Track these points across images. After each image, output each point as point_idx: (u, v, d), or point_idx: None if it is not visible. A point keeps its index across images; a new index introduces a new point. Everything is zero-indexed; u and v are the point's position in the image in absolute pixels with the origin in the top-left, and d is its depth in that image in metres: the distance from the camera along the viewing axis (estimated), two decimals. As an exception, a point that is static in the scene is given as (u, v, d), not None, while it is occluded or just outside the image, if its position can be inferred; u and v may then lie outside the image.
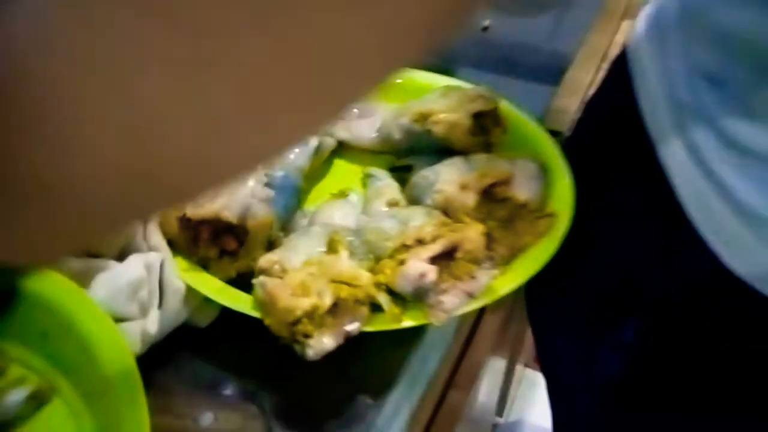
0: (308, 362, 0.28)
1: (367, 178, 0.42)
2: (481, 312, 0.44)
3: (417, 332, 0.34)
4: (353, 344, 0.29)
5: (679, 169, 0.31)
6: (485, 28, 0.58)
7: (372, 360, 0.33)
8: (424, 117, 0.42)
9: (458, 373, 0.45)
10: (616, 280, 0.37)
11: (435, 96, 0.43)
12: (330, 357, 0.28)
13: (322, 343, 0.28)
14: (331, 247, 0.31)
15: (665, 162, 0.32)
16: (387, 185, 0.41)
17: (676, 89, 0.32)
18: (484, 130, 0.41)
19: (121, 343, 0.26)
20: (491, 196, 0.36)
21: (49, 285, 0.28)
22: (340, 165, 0.45)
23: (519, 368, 0.97)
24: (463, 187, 0.36)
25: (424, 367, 0.33)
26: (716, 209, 0.30)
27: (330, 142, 0.43)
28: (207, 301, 0.31)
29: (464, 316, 0.36)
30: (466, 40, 0.55)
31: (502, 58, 0.55)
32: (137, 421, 0.23)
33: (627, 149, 0.36)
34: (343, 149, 0.45)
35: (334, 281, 0.29)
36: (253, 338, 0.30)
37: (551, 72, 0.53)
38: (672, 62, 0.33)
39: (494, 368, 0.72)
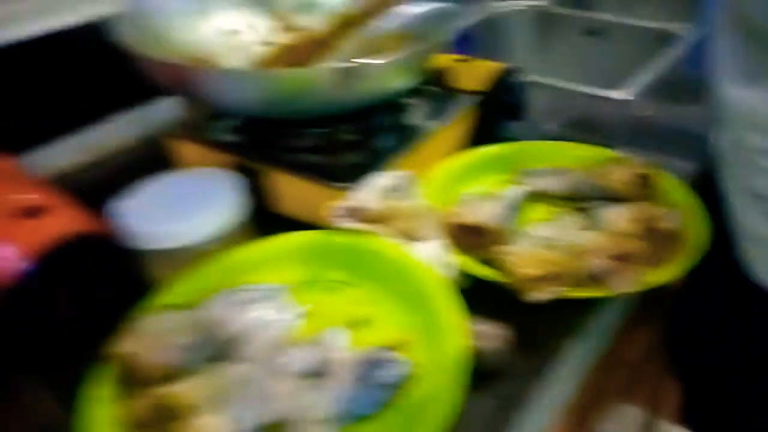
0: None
1: (557, 215, 0.63)
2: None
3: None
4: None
5: None
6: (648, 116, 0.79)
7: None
8: (601, 176, 0.62)
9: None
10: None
11: (612, 163, 0.63)
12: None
13: (536, 294, 0.49)
14: (550, 245, 0.53)
15: None
16: (574, 219, 0.61)
17: None
18: (644, 187, 0.61)
19: (443, 279, 0.48)
20: (646, 224, 0.55)
21: (384, 245, 0.52)
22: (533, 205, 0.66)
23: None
24: (628, 219, 0.56)
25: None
26: None
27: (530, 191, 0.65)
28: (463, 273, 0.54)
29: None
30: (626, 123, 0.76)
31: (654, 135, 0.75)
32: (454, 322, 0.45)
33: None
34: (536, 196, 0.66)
35: (546, 262, 0.50)
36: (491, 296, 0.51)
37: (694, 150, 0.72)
38: None
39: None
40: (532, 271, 0.49)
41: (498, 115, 0.75)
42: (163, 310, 0.48)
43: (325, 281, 0.54)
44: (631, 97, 0.80)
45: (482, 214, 0.55)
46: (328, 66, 0.53)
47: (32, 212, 0.54)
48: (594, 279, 0.51)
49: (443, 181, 0.65)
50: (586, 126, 0.85)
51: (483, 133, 0.74)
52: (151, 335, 0.46)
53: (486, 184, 0.69)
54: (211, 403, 0.42)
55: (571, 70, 1.01)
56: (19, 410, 0.50)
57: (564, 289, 0.50)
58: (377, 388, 0.43)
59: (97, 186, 0.74)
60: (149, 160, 0.78)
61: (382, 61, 0.54)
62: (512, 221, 0.57)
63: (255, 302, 0.52)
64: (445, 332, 0.45)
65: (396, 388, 0.43)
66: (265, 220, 0.61)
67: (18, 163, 0.66)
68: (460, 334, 0.44)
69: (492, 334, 0.48)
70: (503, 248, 0.53)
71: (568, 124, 0.86)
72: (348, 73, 0.53)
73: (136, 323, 0.47)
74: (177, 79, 0.57)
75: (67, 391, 0.50)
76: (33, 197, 0.57)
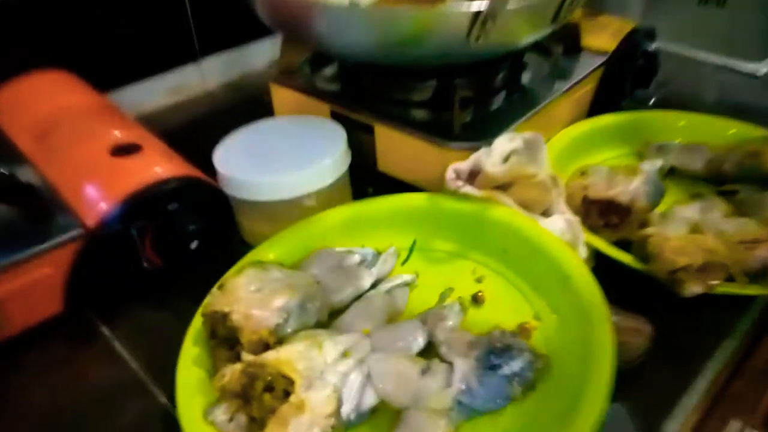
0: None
1: (696, 197, 0.55)
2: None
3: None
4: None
5: None
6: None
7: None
8: (753, 156, 0.53)
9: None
10: None
11: (765, 143, 0.54)
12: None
13: (693, 288, 0.41)
14: (695, 230, 0.45)
15: None
16: (716, 203, 0.53)
17: None
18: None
19: (574, 253, 0.41)
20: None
21: (506, 214, 0.46)
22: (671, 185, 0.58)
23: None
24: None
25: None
26: None
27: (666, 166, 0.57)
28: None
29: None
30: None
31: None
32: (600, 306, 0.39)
33: None
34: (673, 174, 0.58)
35: (702, 250, 0.42)
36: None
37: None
38: None
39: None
40: (687, 259, 0.42)
41: (626, 80, 0.66)
42: (260, 267, 0.44)
43: (432, 250, 0.48)
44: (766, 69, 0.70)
45: (621, 188, 0.48)
46: (457, 6, 0.46)
47: (124, 150, 0.50)
48: (756, 273, 0.43)
49: (563, 151, 0.57)
50: (707, 99, 0.75)
51: (607, 100, 0.66)
52: (245, 294, 0.42)
53: (608, 156, 0.61)
54: (310, 376, 0.37)
55: (687, 41, 0.90)
56: (95, 359, 0.47)
57: (719, 282, 0.42)
58: (501, 380, 0.37)
59: (188, 130, 0.71)
60: (244, 105, 0.74)
61: (518, 5, 0.47)
62: (655, 199, 0.49)
63: (357, 266, 0.47)
64: (588, 321, 0.38)
65: (524, 381, 0.38)
66: (364, 179, 0.55)
67: (110, 100, 0.63)
68: (606, 325, 0.37)
69: (632, 329, 0.41)
70: (647, 230, 0.46)
71: (688, 96, 0.76)
72: (479, 17, 0.46)
73: (230, 281, 0.42)
74: (287, 15, 0.52)
75: (148, 345, 0.47)
76: (126, 135, 0.53)
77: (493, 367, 0.38)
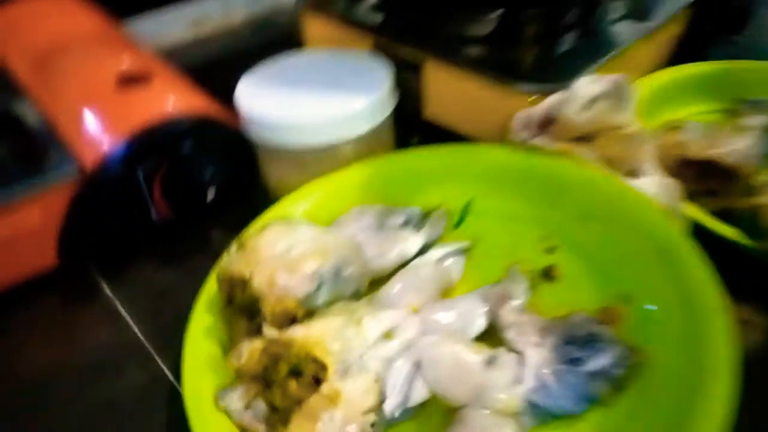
0: None
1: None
2: None
3: None
4: None
5: None
6: None
7: None
8: None
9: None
10: None
11: None
12: None
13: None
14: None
15: None
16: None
17: None
18: None
19: (677, 223, 0.33)
20: None
21: (588, 171, 0.38)
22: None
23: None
24: None
25: None
26: None
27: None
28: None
29: None
30: None
31: None
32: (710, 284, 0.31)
33: None
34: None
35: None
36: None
37: None
38: None
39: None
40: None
41: (716, 25, 0.57)
42: (287, 224, 0.36)
43: (492, 213, 0.40)
44: None
45: (726, 147, 0.40)
46: None
47: (132, 81, 0.43)
48: None
49: (644, 103, 0.48)
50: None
51: (693, 47, 0.56)
52: (269, 255, 0.34)
53: (693, 112, 0.52)
54: (347, 361, 0.30)
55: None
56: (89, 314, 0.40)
57: None
58: (583, 378, 0.30)
59: (209, 68, 0.63)
60: (271, 42, 0.66)
61: None
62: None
63: (401, 228, 0.39)
64: (696, 309, 0.30)
65: (612, 381, 0.30)
66: (406, 128, 0.47)
67: (124, 29, 0.56)
68: (721, 315, 0.29)
69: (740, 320, 0.33)
70: (762, 198, 0.37)
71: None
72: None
73: (251, 239, 0.35)
74: None
75: (153, 308, 0.41)
76: (135, 64, 0.45)
77: (574, 361, 0.30)
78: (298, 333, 0.31)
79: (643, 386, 0.30)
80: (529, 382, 0.30)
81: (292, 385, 0.29)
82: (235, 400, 0.31)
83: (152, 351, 0.38)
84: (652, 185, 0.38)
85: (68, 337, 0.39)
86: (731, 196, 0.39)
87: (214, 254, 0.37)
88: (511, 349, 0.31)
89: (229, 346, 0.34)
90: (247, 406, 0.31)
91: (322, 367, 0.29)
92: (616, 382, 0.30)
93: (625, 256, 0.35)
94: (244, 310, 0.34)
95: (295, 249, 0.35)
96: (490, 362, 0.30)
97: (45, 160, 0.39)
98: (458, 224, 0.41)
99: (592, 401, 0.30)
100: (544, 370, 0.30)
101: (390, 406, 0.29)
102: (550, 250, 0.38)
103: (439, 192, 0.41)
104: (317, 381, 0.29)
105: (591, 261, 0.36)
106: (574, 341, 0.31)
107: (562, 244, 0.38)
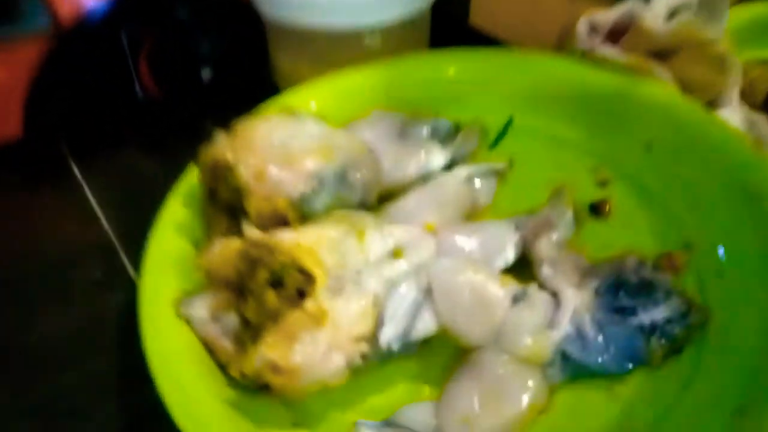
0: None
1: None
2: None
3: None
4: None
5: None
6: None
7: None
8: None
9: None
10: None
11: None
12: None
13: None
14: None
15: None
16: None
17: None
18: None
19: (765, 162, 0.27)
20: None
21: (662, 92, 0.31)
22: None
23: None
24: None
25: None
26: None
27: None
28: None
29: None
30: None
31: None
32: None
33: None
34: None
35: None
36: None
37: None
38: None
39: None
40: None
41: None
42: (292, 116, 0.30)
43: (536, 134, 0.34)
44: None
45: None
46: None
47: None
48: None
49: (733, 33, 0.41)
50: None
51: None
52: (263, 145, 0.28)
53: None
54: (341, 277, 0.24)
55: None
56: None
57: None
58: (633, 332, 0.24)
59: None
60: None
61: None
62: None
63: (427, 140, 0.33)
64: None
65: (668, 340, 0.24)
66: (447, 36, 0.40)
67: None
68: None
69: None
70: None
71: None
72: None
73: (247, 126, 0.29)
74: None
75: (128, 199, 0.35)
76: None
77: (622, 311, 0.24)
78: (286, 238, 0.25)
79: (705, 351, 0.24)
80: (563, 329, 0.24)
81: (271, 296, 0.23)
82: (200, 308, 0.25)
83: (120, 250, 0.33)
84: (737, 119, 0.31)
85: (27, 224, 0.34)
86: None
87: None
88: (545, 288, 0.25)
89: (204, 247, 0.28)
90: (214, 317, 0.25)
91: (310, 279, 0.24)
92: (672, 342, 0.24)
93: (696, 196, 0.28)
94: (226, 206, 0.29)
95: (296, 142, 0.29)
96: (519, 299, 0.24)
97: (14, 8, 0.33)
98: (495, 144, 0.34)
99: (638, 361, 0.24)
100: (584, 317, 0.24)
101: (386, 336, 0.23)
102: (603, 183, 0.31)
103: (475, 104, 0.35)
104: (301, 295, 0.24)
105: (652, 199, 0.30)
106: (625, 287, 0.25)
107: (618, 176, 0.31)
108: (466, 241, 0.27)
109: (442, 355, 0.25)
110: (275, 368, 0.22)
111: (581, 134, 0.33)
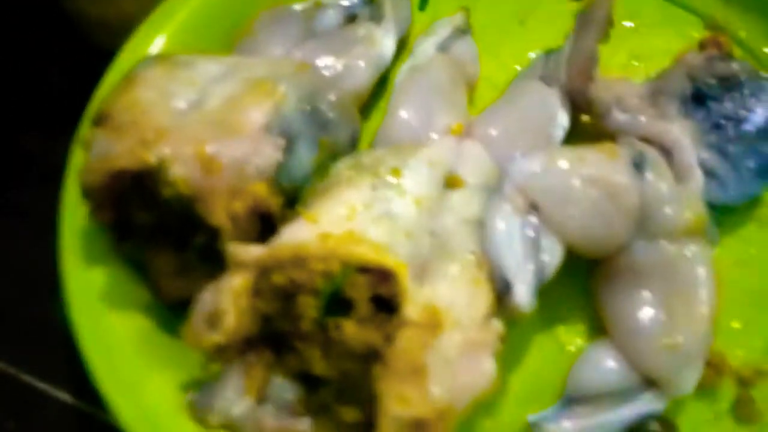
0: None
1: None
2: None
3: None
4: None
5: None
6: None
7: None
8: None
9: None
10: None
11: None
12: None
13: None
14: None
15: None
16: None
17: None
18: None
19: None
20: None
21: None
22: None
23: None
24: None
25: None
26: None
27: None
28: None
29: None
30: None
31: None
32: None
33: None
34: None
35: None
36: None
37: None
38: None
39: None
40: None
41: None
42: (170, 63, 0.19)
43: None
44: None
45: None
46: None
47: None
48: None
49: None
50: None
51: None
52: (170, 119, 0.17)
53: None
54: (412, 249, 0.16)
55: None
56: None
57: None
58: (756, 144, 0.19)
59: None
60: None
61: None
62: None
63: (351, 28, 0.23)
64: None
65: None
66: None
67: None
68: None
69: None
70: None
71: None
72: None
73: (116, 102, 0.18)
74: None
75: None
76: None
77: (729, 121, 0.19)
78: (299, 235, 0.16)
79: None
80: (699, 175, 0.18)
81: (349, 327, 0.15)
82: (230, 397, 0.16)
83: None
84: None
85: None
86: None
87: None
88: (626, 141, 0.19)
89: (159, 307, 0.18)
90: (259, 398, 0.16)
91: (383, 276, 0.15)
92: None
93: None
94: (157, 234, 0.18)
95: (211, 97, 0.18)
96: (639, 163, 0.18)
97: None
98: (424, 4, 0.26)
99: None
100: (702, 151, 0.19)
101: (522, 297, 0.16)
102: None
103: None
104: (381, 304, 0.15)
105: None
106: (710, 95, 0.20)
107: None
108: (507, 126, 0.20)
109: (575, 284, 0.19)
110: (420, 426, 0.14)
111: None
